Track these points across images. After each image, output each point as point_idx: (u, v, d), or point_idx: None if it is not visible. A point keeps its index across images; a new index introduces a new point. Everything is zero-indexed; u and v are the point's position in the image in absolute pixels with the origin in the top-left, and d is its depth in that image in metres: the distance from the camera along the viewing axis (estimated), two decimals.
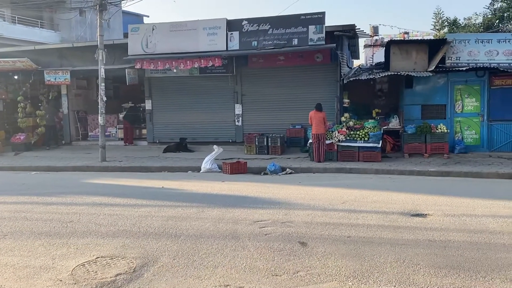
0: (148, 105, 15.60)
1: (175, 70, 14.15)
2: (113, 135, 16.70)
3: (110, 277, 4.23)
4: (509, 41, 12.39)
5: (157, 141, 15.54)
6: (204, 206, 7.04)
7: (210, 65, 13.57)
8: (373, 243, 5.12)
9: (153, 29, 14.24)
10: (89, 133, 17.15)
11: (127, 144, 15.96)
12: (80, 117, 17.29)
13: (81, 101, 17.67)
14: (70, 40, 23.79)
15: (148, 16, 39.38)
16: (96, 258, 4.74)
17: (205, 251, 4.91)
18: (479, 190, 8.38)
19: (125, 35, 15.92)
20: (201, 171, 11.38)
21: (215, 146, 11.83)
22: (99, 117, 13.04)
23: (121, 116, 16.59)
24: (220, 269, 4.41)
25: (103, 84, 13.03)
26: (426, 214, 6.38)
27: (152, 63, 13.88)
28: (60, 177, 11.05)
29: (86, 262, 4.64)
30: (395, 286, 3.97)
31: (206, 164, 11.39)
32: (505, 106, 12.45)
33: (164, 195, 8.30)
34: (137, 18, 33.02)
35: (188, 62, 13.55)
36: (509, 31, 20.96)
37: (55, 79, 15.33)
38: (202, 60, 13.42)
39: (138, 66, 14.02)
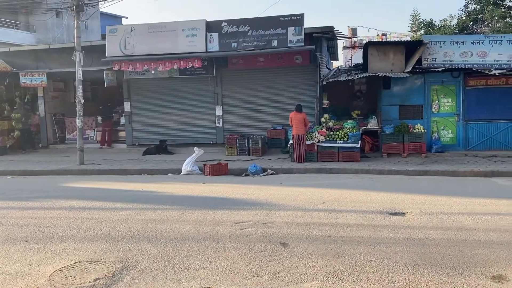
0: (127, 107, 15.43)
1: (153, 72, 14.04)
2: (92, 137, 16.44)
3: (89, 282, 4.17)
4: (482, 43, 12.71)
5: (137, 144, 15.38)
6: (184, 209, 7.00)
7: (189, 67, 13.52)
8: (353, 242, 5.18)
9: (131, 30, 14.11)
10: (67, 136, 16.83)
11: (103, 147, 15.75)
12: (58, 119, 16.96)
13: (58, 104, 17.34)
14: (46, 42, 23.37)
15: (126, 18, 38.88)
16: (74, 263, 4.66)
17: (185, 253, 4.88)
18: (456, 188, 8.56)
19: (103, 37, 15.70)
20: (181, 173, 11.31)
21: (195, 148, 11.78)
22: (77, 120, 12.82)
23: (99, 118, 16.37)
24: (201, 271, 4.39)
25: (81, 86, 12.83)
26: (404, 213, 6.48)
27: (130, 64, 13.75)
28: (37, 181, 10.82)
29: (64, 267, 4.56)
30: (374, 285, 4.02)
31: (186, 166, 11.33)
32: (480, 106, 12.76)
33: (144, 198, 8.21)
34: (116, 19, 32.61)
35: (167, 63, 13.46)
36: (483, 33, 21.50)
37: (31, 81, 15.02)
38: (181, 62, 13.36)
39: (116, 67, 13.87)
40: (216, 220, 6.26)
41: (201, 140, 14.61)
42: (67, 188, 9.54)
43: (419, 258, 4.64)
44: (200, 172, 11.26)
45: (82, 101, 12.81)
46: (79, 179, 10.95)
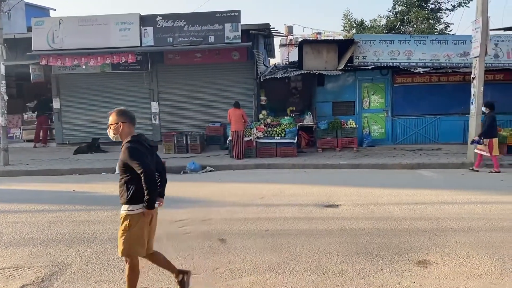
0: (56, 103, 14.62)
1: (84, 67, 13.43)
2: (17, 136, 15.42)
3: None
4: (408, 42, 13.50)
5: (67, 142, 14.64)
6: (119, 209, 6.72)
7: (123, 62, 13.07)
8: (289, 235, 5.30)
9: (60, 23, 13.38)
10: None
11: (37, 145, 14.79)
12: None
13: None
14: None
15: (55, 10, 36.70)
16: None
17: None
18: (385, 180, 9.04)
19: (29, 29, 14.73)
20: (115, 173, 10.92)
21: None
22: (0, 118, 11.94)
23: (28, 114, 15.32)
24: None
25: (4, 82, 11.94)
26: (338, 205, 6.74)
27: (59, 59, 13.03)
28: None
29: None
30: (310, 275, 4.15)
31: None
32: (406, 102, 13.56)
33: (76, 198, 7.84)
34: (43, 11, 30.67)
35: (99, 58, 12.92)
36: (409, 33, 22.81)
37: None
38: (114, 56, 12.88)
39: (43, 62, 13.08)
40: None
41: None
42: None
43: (351, 247, 4.86)
44: None
45: (6, 97, 11.93)
46: (4, 180, 10.21)
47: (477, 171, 9.89)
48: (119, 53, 12.90)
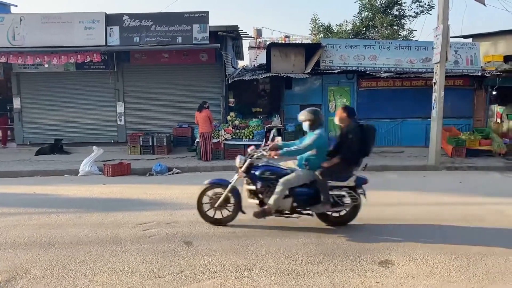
0: (16, 103, 14.06)
1: (47, 65, 12.99)
2: None
3: None
4: (373, 47, 13.82)
5: (28, 143, 14.12)
6: (82, 211, 6.60)
7: (88, 61, 12.74)
8: (256, 236, 5.31)
9: (21, 20, 12.90)
10: None
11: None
12: None
13: None
14: None
15: (16, 6, 35.34)
16: None
17: (82, 258, 4.61)
18: None
19: None
20: (79, 174, 10.65)
21: (94, 147, 11.15)
22: None
23: None
24: (100, 276, 4.19)
25: None
26: None
27: (20, 57, 12.57)
28: None
29: None
30: (275, 277, 4.18)
31: (84, 166, 10.69)
32: (371, 106, 13.86)
33: (36, 201, 7.57)
34: (3, 7, 29.52)
35: (62, 57, 12.54)
36: (374, 38, 23.40)
37: None
38: (78, 55, 12.54)
39: (3, 60, 12.57)
40: (116, 222, 6.00)
41: (101, 138, 13.86)
42: None
43: (316, 248, 4.92)
44: (100, 172, 10.70)
45: None
46: None
47: None
48: (84, 52, 12.57)
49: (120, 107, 14.04)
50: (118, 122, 14.10)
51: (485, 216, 6.27)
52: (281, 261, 4.54)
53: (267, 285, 3.99)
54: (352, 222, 5.79)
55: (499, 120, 14.38)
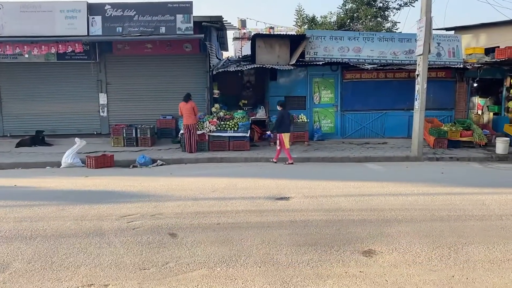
0: None
1: (27, 56, 12.72)
2: None
3: None
4: (357, 39, 13.88)
5: (9, 135, 13.85)
6: (64, 204, 6.50)
7: (69, 51, 12.51)
8: (241, 228, 5.32)
9: None
10: None
11: None
12: None
13: None
14: None
15: None
16: None
17: (65, 251, 4.56)
18: (334, 173, 9.29)
19: None
20: (61, 167, 10.50)
21: (77, 138, 10.99)
22: None
23: None
24: (83, 268, 4.15)
25: None
26: (289, 197, 6.84)
27: None
28: None
29: None
30: (260, 267, 4.20)
31: (67, 158, 10.54)
32: (355, 97, 13.97)
33: (17, 194, 7.45)
34: None
35: (43, 47, 12.30)
36: (358, 30, 23.48)
37: None
38: (59, 45, 12.31)
39: None
40: (100, 214, 5.94)
41: (84, 130, 13.69)
42: None
43: (301, 239, 4.95)
44: (83, 164, 10.57)
45: None
46: None
47: (275, 162, 10.69)
48: (65, 42, 12.34)
49: (102, 98, 13.85)
50: (101, 114, 13.91)
51: (466, 205, 6.40)
52: (266, 252, 4.56)
53: (252, 276, 4.01)
54: (336, 212, 5.85)
55: (480, 112, 14.65)
